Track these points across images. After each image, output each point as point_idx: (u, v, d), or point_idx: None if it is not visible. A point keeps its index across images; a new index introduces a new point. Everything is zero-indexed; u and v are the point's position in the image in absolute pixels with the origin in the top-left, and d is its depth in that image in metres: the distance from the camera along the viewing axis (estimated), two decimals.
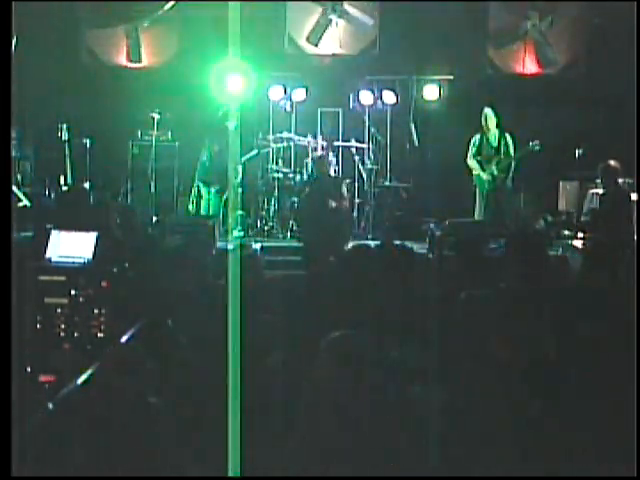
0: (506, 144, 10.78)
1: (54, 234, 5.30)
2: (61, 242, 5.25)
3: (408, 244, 5.55)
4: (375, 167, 11.97)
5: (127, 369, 3.49)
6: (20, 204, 10.13)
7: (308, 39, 12.69)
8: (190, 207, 11.59)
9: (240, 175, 11.31)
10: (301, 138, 11.94)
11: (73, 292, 4.92)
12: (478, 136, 10.88)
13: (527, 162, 10.83)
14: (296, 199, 11.17)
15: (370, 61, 12.71)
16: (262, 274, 5.13)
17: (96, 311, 4.88)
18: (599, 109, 11.97)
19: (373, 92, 12.24)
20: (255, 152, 11.68)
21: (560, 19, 12.59)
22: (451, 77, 12.33)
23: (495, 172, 10.75)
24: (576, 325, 3.97)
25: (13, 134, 10.68)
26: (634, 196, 9.41)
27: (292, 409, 3.45)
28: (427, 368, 3.71)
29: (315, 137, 11.92)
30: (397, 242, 5.27)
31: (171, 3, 12.32)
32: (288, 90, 12.13)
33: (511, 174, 10.79)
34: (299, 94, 12.18)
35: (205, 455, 3.34)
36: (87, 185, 11.00)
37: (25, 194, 10.48)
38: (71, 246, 5.22)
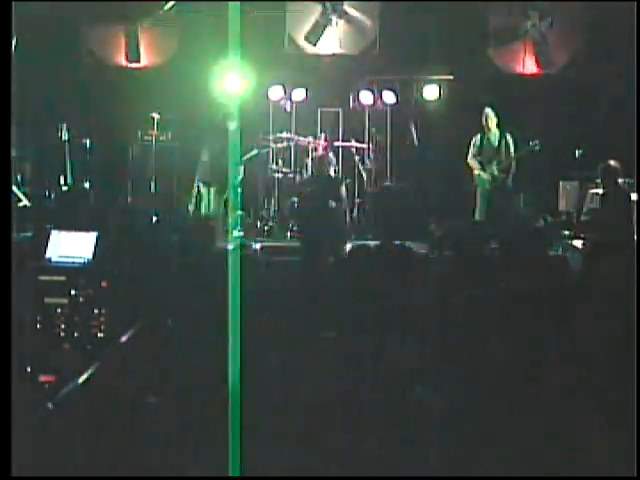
0: (507, 144, 10.77)
1: (54, 234, 5.29)
2: (61, 242, 5.24)
3: (408, 244, 5.54)
4: (375, 167, 11.97)
5: (127, 369, 3.49)
6: (20, 204, 10.13)
7: (307, 39, 12.69)
8: (190, 207, 11.59)
9: (241, 175, 11.30)
10: (301, 138, 11.94)
11: (73, 292, 4.92)
12: (479, 136, 10.87)
13: (527, 162, 10.83)
14: (296, 199, 11.17)
15: (370, 61, 12.70)
16: (261, 274, 5.13)
17: (96, 311, 4.88)
18: (599, 109, 11.96)
19: (373, 92, 12.25)
20: (255, 152, 11.68)
21: (560, 19, 12.59)
22: (451, 77, 12.33)
23: (496, 172, 10.75)
24: (576, 325, 3.97)
25: (13, 134, 10.66)
26: (634, 196, 9.41)
27: (292, 409, 3.45)
28: (427, 368, 3.71)
29: (315, 137, 11.92)
30: (397, 242, 5.26)
31: (171, 3, 12.31)
32: (288, 90, 12.14)
33: (512, 174, 10.78)
34: (299, 94, 12.18)
35: (205, 455, 3.34)
36: (87, 185, 11.01)
37: (25, 194, 10.48)
38: (71, 246, 5.22)
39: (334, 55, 12.71)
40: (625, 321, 3.89)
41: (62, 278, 4.97)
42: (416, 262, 5.08)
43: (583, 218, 9.70)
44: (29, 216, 9.18)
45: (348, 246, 8.80)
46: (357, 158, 11.97)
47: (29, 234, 6.85)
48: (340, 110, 12.56)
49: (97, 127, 11.95)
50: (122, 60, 12.81)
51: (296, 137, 11.97)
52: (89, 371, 3.58)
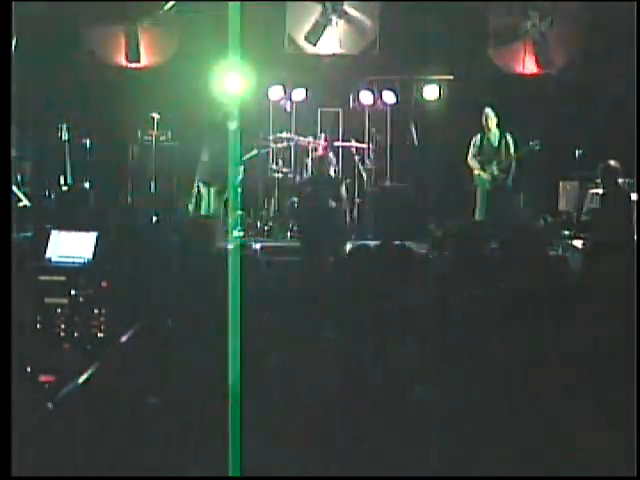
0: (507, 144, 10.77)
1: (54, 234, 5.29)
2: (61, 242, 5.25)
3: (408, 244, 5.54)
4: (375, 167, 11.97)
5: (127, 369, 3.49)
6: (20, 204, 10.13)
7: (307, 39, 12.69)
8: (190, 207, 11.59)
9: (242, 175, 11.31)
10: (301, 138, 11.94)
11: (73, 292, 4.92)
12: (479, 136, 10.87)
13: (527, 162, 10.83)
14: (296, 199, 11.17)
15: (370, 61, 12.71)
16: (261, 274, 5.13)
17: (96, 311, 4.88)
18: (599, 109, 11.96)
19: (373, 92, 12.25)
20: (255, 152, 11.68)
21: (560, 19, 12.59)
22: (451, 77, 12.33)
23: (496, 172, 10.74)
24: (576, 325, 3.97)
25: (13, 134, 10.67)
26: (634, 196, 9.41)
27: (292, 408, 3.45)
28: (427, 368, 3.71)
29: (315, 137, 11.92)
30: (397, 242, 5.26)
31: (171, 3, 12.32)
32: (288, 90, 12.14)
33: (512, 174, 10.77)
34: (299, 94, 12.18)
35: (205, 455, 3.34)
36: (87, 185, 11.01)
37: (25, 194, 10.48)
38: (71, 246, 5.22)
39: (334, 55, 12.71)
40: (625, 321, 3.89)
41: (62, 278, 4.97)
42: (416, 262, 5.08)
43: (583, 218, 9.70)
44: (29, 216, 9.18)
45: (348, 246, 8.80)
46: (357, 158, 11.97)
47: (29, 234, 6.85)
48: (340, 110, 12.56)
49: (97, 127, 11.94)
50: (122, 60, 12.81)
51: (296, 137, 11.97)
52: (89, 371, 3.58)
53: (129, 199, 11.91)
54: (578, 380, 3.64)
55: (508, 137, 10.79)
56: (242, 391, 3.00)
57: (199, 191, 11.51)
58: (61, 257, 5.19)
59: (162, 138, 12.03)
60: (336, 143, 12.04)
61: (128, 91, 12.16)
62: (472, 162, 10.88)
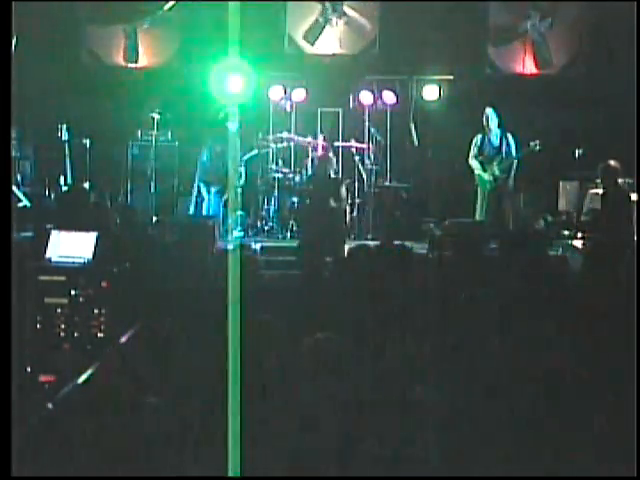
0: (508, 144, 10.75)
1: (54, 234, 5.30)
2: (61, 242, 5.25)
3: (408, 244, 5.55)
4: (375, 167, 11.97)
5: (127, 369, 3.49)
6: (20, 204, 10.13)
7: (305, 38, 12.69)
8: (190, 207, 11.59)
9: (243, 176, 11.32)
10: (301, 138, 11.94)
11: (73, 292, 4.93)
12: (480, 136, 10.84)
13: (527, 162, 10.82)
14: (296, 199, 11.17)
15: (370, 61, 12.71)
16: (261, 274, 5.13)
17: (96, 311, 4.89)
18: (599, 109, 11.96)
19: (373, 92, 12.24)
20: (255, 152, 11.68)
21: (561, 20, 12.59)
22: (451, 77, 12.33)
23: (497, 172, 10.73)
24: (576, 325, 3.98)
25: (13, 134, 10.68)
26: (634, 196, 9.41)
27: (291, 409, 3.45)
28: (427, 368, 3.71)
29: (315, 137, 11.91)
30: (397, 242, 5.27)
31: (171, 3, 12.32)
32: (288, 90, 12.13)
33: (512, 174, 10.76)
34: (299, 94, 12.18)
35: (205, 455, 3.34)
36: (87, 185, 11.01)
37: (25, 194, 10.49)
38: (71, 246, 5.22)
39: (334, 55, 12.72)
40: (625, 321, 3.89)
41: (62, 278, 4.98)
42: (416, 262, 5.09)
43: (583, 218, 9.69)
44: (29, 216, 9.18)
45: (348, 246, 8.81)
46: (357, 158, 11.97)
47: (29, 234, 6.85)
48: (340, 110, 12.55)
49: (97, 127, 11.94)
50: (121, 60, 12.81)
51: (296, 137, 11.97)
52: (89, 371, 3.58)
53: (129, 199, 11.91)
54: (578, 380, 3.64)
55: (509, 137, 10.77)
56: (242, 391, 3.00)
57: (199, 191, 11.52)
58: (61, 257, 5.20)
59: (162, 138, 12.04)
60: (336, 143, 12.03)
61: (128, 91, 12.16)
62: (473, 162, 10.86)
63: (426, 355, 3.79)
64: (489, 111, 10.78)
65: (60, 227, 5.41)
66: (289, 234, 11.11)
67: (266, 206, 11.59)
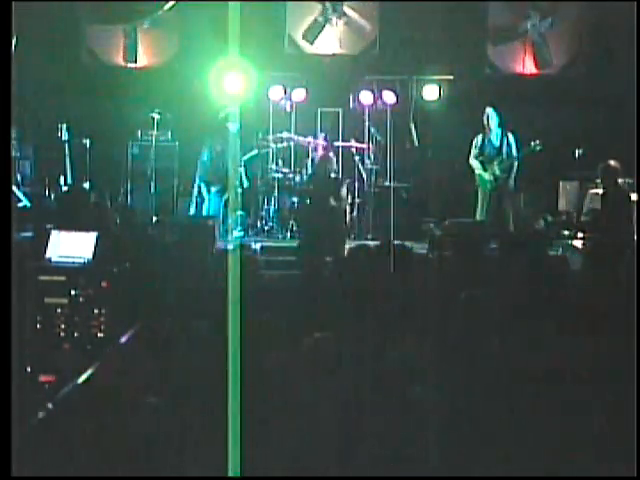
0: (508, 144, 10.73)
1: (54, 234, 5.30)
2: (61, 242, 5.25)
3: (408, 244, 5.55)
4: (375, 167, 11.97)
5: (127, 369, 3.49)
6: (20, 204, 10.13)
7: (304, 37, 12.68)
8: (190, 207, 11.59)
9: (244, 176, 11.33)
10: (301, 138, 11.94)
11: (73, 292, 4.93)
12: (480, 136, 10.83)
13: (527, 162, 10.82)
14: (296, 199, 11.18)
15: (370, 61, 12.71)
16: (261, 274, 5.13)
17: (96, 311, 4.89)
18: (599, 109, 11.96)
19: (373, 92, 12.24)
20: (255, 152, 11.69)
21: (561, 20, 12.59)
22: (451, 77, 12.33)
23: (497, 172, 10.71)
24: (576, 325, 3.97)
25: (13, 134, 10.68)
26: (634, 196, 9.41)
27: (291, 409, 3.45)
28: (427, 368, 3.71)
29: (315, 137, 11.91)
30: (397, 242, 5.26)
31: (171, 3, 12.31)
32: (288, 90, 12.13)
33: (513, 174, 10.75)
34: (299, 94, 12.18)
35: (205, 455, 3.34)
36: (87, 185, 11.01)
37: (25, 194, 10.48)
38: (71, 246, 5.22)
39: (334, 55, 12.72)
40: (625, 321, 3.89)
41: (62, 278, 4.98)
42: (416, 262, 5.09)
43: (583, 218, 9.69)
44: (29, 216, 9.17)
45: (348, 246, 8.80)
46: (357, 158, 11.97)
47: (29, 234, 6.85)
48: (340, 110, 12.55)
49: (97, 127, 11.94)
50: (121, 60, 12.81)
51: (296, 137, 11.97)
52: (89, 371, 3.58)
53: (129, 199, 11.90)
54: (578, 380, 3.64)
55: (510, 137, 10.76)
56: (242, 391, 3.00)
57: (200, 191, 11.51)
58: (61, 257, 5.20)
59: (162, 138, 12.04)
60: (336, 143, 12.03)
61: (128, 91, 12.16)
62: (473, 162, 10.85)
63: (426, 355, 3.79)
64: (489, 111, 10.76)
65: (60, 227, 5.41)
66: (289, 234, 11.11)
67: (266, 206, 11.59)
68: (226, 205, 11.08)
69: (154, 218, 10.99)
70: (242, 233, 10.60)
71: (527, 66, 12.63)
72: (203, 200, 11.48)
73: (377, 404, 3.44)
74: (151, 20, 12.52)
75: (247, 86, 10.53)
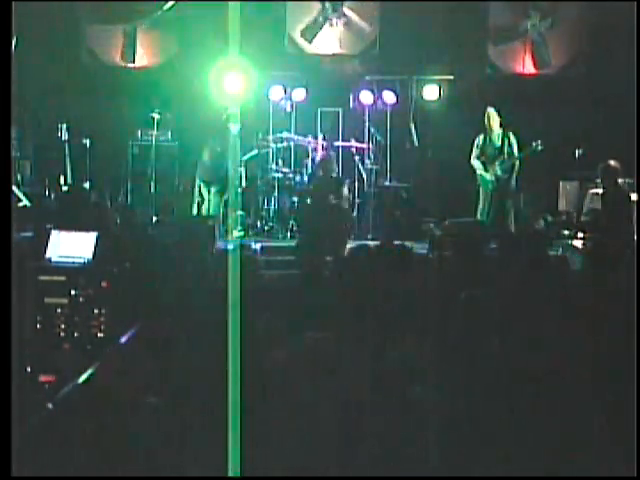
0: (510, 144, 10.71)
1: (54, 234, 5.30)
2: (61, 242, 5.25)
3: (408, 244, 5.54)
4: (375, 167, 11.97)
5: (127, 369, 3.49)
6: (20, 204, 10.13)
7: (303, 35, 12.68)
8: (190, 207, 11.59)
9: (244, 176, 11.33)
10: (301, 138, 11.94)
11: (73, 292, 4.93)
12: (481, 136, 10.81)
13: (527, 162, 10.82)
14: (296, 199, 11.18)
15: (370, 61, 12.71)
16: (261, 274, 5.13)
17: (96, 311, 4.88)
18: (599, 109, 11.96)
19: (373, 92, 12.24)
20: (255, 152, 11.69)
21: (561, 20, 12.59)
22: (451, 77, 12.33)
23: (499, 172, 10.70)
24: (576, 325, 3.97)
25: (13, 134, 10.68)
26: (634, 196, 9.41)
27: (291, 409, 3.45)
28: (427, 368, 3.71)
29: (315, 137, 11.91)
30: (397, 242, 5.26)
31: (171, 3, 12.31)
32: (288, 90, 12.13)
33: (515, 174, 10.75)
34: (299, 94, 12.18)
35: (205, 455, 3.34)
36: (87, 185, 11.01)
37: (25, 194, 10.48)
38: (71, 246, 5.22)
39: (334, 55, 12.72)
40: (625, 321, 3.89)
41: (62, 278, 4.98)
42: (416, 262, 5.09)
43: (583, 218, 9.69)
44: (29, 216, 9.17)
45: (348, 246, 8.80)
46: (357, 158, 11.97)
47: (29, 234, 6.85)
48: (340, 110, 12.55)
49: (97, 127, 11.95)
50: (119, 60, 12.81)
51: (296, 137, 11.97)
52: (89, 371, 3.58)
53: (129, 199, 11.90)
54: (578, 380, 3.64)
55: (511, 137, 10.74)
56: (242, 391, 3.00)
57: (200, 191, 11.51)
58: (61, 257, 5.20)
59: (162, 138, 12.04)
60: (336, 143, 12.03)
61: (128, 91, 12.17)
62: (475, 163, 10.84)
63: (426, 355, 3.79)
64: (490, 111, 10.75)
65: (60, 227, 5.40)
66: (289, 234, 11.11)
67: (266, 206, 11.59)
68: (226, 205, 11.08)
69: (154, 218, 11.00)
70: (242, 233, 10.60)
71: (527, 66, 12.63)
72: (203, 200, 11.47)
73: (377, 404, 3.44)
74: (151, 20, 12.52)
75: (247, 86, 10.52)
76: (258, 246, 9.47)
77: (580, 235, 9.30)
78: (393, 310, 4.11)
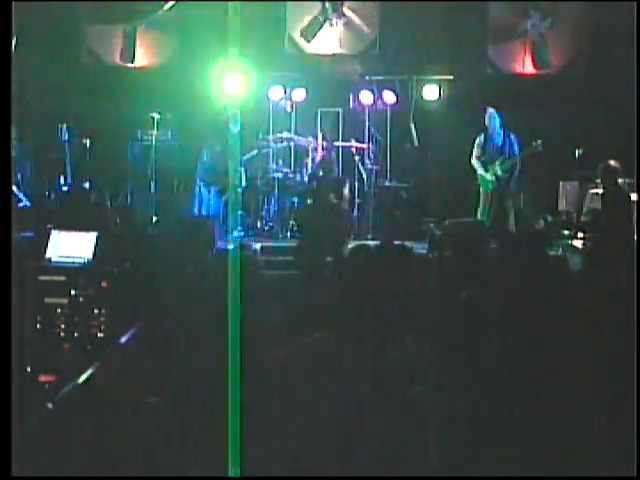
0: (510, 144, 10.73)
1: (54, 234, 5.30)
2: (61, 242, 5.25)
3: (408, 244, 5.54)
4: (375, 167, 11.96)
5: (127, 369, 3.49)
6: (20, 204, 10.13)
7: (303, 35, 12.68)
8: (190, 207, 11.59)
9: (244, 176, 11.32)
10: (301, 138, 11.93)
11: (73, 292, 4.93)
12: (482, 136, 10.81)
13: (527, 162, 10.82)
14: (296, 199, 11.17)
15: (370, 61, 12.71)
16: (261, 274, 5.12)
17: (96, 311, 4.88)
18: (599, 109, 11.96)
19: (373, 92, 12.24)
20: (255, 152, 11.69)
21: (561, 20, 12.59)
22: (451, 77, 12.33)
23: (499, 172, 10.70)
24: (576, 325, 3.97)
25: (13, 134, 10.67)
26: (634, 196, 9.41)
27: (291, 409, 3.45)
28: (427, 368, 3.71)
29: (315, 137, 11.91)
30: (397, 242, 5.26)
31: (171, 3, 12.31)
32: (288, 90, 12.13)
33: (515, 174, 10.75)
34: (299, 94, 12.18)
35: (205, 455, 3.34)
36: (87, 185, 11.01)
37: (25, 194, 10.48)
38: (71, 246, 5.22)
39: (334, 55, 12.72)
40: (625, 321, 3.89)
41: (62, 278, 4.98)
42: (416, 262, 5.09)
43: (583, 218, 9.69)
44: (29, 216, 9.17)
45: (348, 246, 8.79)
46: (357, 158, 11.96)
47: (29, 234, 6.85)
48: (340, 110, 12.55)
49: (97, 127, 11.94)
50: (119, 60, 12.80)
51: (296, 137, 11.96)
52: (89, 371, 3.58)
53: (129, 199, 11.90)
54: (578, 380, 3.64)
55: (512, 137, 10.74)
56: (242, 391, 3.00)
57: (200, 191, 11.51)
58: (61, 257, 5.20)
59: (162, 138, 12.04)
60: (336, 143, 12.03)
61: (128, 91, 12.17)
62: (475, 163, 10.84)
63: (426, 355, 3.79)
64: (491, 111, 10.76)
65: (60, 227, 5.41)
66: (289, 234, 11.11)
67: (266, 206, 11.59)
68: (226, 205, 11.08)
69: (154, 218, 10.99)
70: (242, 233, 10.60)
71: (527, 66, 12.62)
72: (203, 200, 11.47)
73: (377, 404, 3.44)
74: (151, 20, 12.51)
75: (247, 86, 10.53)
76: (258, 246, 9.46)
77: (580, 235, 9.29)
78: (393, 310, 4.11)
